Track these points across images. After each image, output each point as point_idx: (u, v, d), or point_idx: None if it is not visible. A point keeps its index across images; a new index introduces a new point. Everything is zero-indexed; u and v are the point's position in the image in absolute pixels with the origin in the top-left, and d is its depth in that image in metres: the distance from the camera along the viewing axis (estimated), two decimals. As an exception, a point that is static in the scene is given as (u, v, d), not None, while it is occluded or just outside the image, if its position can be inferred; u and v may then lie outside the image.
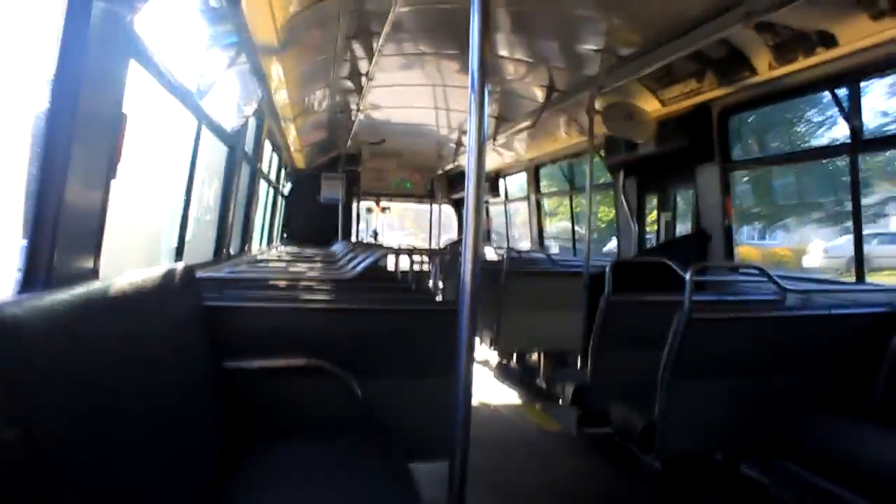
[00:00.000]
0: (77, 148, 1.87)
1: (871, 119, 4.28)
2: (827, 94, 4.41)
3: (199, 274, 3.36)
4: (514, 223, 12.05)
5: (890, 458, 2.86)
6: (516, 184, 11.41)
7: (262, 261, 6.11)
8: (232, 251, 5.65)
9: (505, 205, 12.03)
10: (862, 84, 4.19)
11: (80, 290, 1.73)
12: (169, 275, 2.58)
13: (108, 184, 2.15)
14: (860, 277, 4.30)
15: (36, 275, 1.77)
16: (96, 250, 2.14)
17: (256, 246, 7.85)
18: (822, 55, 3.96)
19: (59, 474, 1.34)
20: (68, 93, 1.82)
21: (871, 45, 3.70)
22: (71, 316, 1.59)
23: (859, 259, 4.30)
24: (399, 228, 22.24)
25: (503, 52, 5.57)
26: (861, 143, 4.22)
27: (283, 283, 3.93)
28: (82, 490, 1.41)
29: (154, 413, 1.89)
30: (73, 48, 1.83)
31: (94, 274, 2.10)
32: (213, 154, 4.97)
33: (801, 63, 4.14)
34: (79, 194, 1.93)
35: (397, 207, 15.57)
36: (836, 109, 4.33)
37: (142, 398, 1.83)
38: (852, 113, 4.21)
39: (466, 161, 1.85)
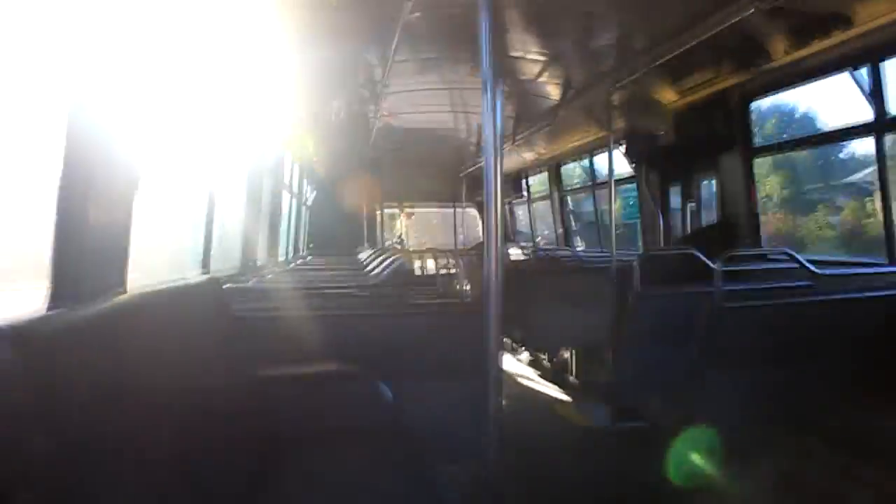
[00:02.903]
0: (99, 163, 1.92)
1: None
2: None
3: (227, 285, 3.41)
4: (539, 222, 12.03)
5: None
6: (541, 182, 11.39)
7: (288, 270, 6.16)
8: (259, 262, 5.71)
9: (529, 204, 12.00)
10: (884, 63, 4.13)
11: (107, 305, 1.78)
12: (196, 287, 2.62)
13: (132, 197, 2.19)
14: (892, 258, 4.23)
15: (64, 291, 1.81)
16: (123, 264, 2.17)
17: (283, 256, 7.92)
18: (839, 36, 3.91)
19: (93, 489, 1.36)
20: (86, 108, 1.86)
21: (887, 24, 3.64)
22: (99, 331, 1.62)
23: (890, 239, 4.23)
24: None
25: (517, 52, 5.56)
26: (885, 121, 4.15)
27: (309, 292, 3.96)
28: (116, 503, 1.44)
29: (186, 424, 1.91)
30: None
31: (121, 288, 2.15)
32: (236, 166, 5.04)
33: (818, 45, 4.09)
34: (103, 209, 1.97)
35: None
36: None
37: (174, 410, 1.86)
38: (874, 92, 4.15)
39: (484, 161, 1.86)
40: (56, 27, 1.91)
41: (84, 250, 1.88)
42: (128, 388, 1.61)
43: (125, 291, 2.15)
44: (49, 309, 1.76)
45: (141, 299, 2.02)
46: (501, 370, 1.90)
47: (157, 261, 3.40)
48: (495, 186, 1.87)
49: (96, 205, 1.91)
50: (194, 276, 3.43)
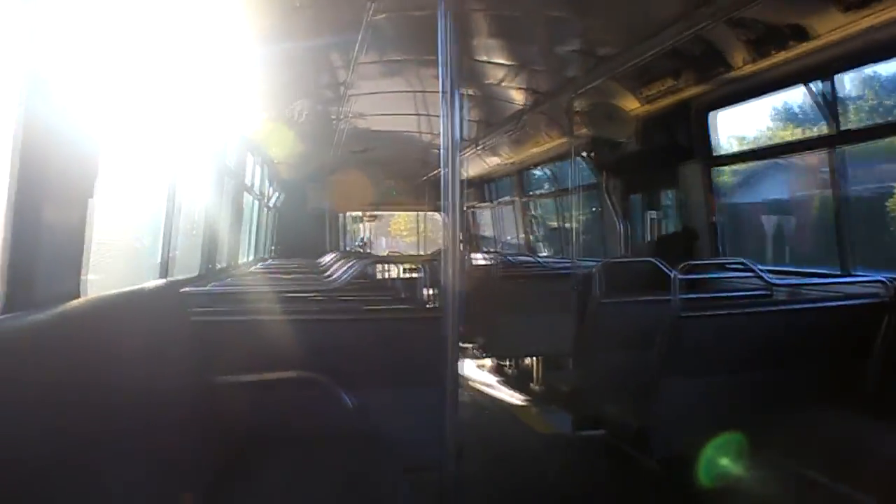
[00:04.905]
0: (53, 167, 1.86)
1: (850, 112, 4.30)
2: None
3: (186, 289, 3.34)
4: (504, 227, 12.06)
5: (883, 448, 2.85)
6: (505, 188, 11.41)
7: (249, 274, 6.08)
8: (219, 265, 5.62)
9: (493, 210, 12.02)
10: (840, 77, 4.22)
11: (61, 310, 1.72)
12: (154, 291, 2.56)
13: (87, 202, 2.13)
14: (845, 269, 4.33)
15: (17, 295, 1.75)
16: (78, 269, 2.11)
17: (244, 259, 7.82)
18: (796, 49, 3.99)
19: (46, 497, 1.32)
20: (42, 108, 1.80)
21: (843, 38, 3.72)
22: (52, 336, 1.58)
23: (843, 251, 4.33)
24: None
25: (482, 56, 5.57)
26: (840, 135, 4.25)
27: (270, 296, 3.90)
28: None
29: (142, 431, 1.87)
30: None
31: (76, 293, 2.09)
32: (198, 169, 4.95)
33: (777, 58, 4.18)
34: (57, 214, 1.91)
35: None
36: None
37: (129, 416, 1.81)
38: (830, 106, 4.25)
39: (441, 167, 1.86)
40: (9, 22, 1.84)
41: (38, 255, 1.82)
42: (81, 394, 1.57)
43: (80, 296, 2.09)
44: (0, 314, 1.71)
45: (96, 304, 1.97)
46: (458, 378, 1.89)
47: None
48: (454, 191, 1.87)
49: (49, 209, 1.86)
50: (152, 280, 3.36)
